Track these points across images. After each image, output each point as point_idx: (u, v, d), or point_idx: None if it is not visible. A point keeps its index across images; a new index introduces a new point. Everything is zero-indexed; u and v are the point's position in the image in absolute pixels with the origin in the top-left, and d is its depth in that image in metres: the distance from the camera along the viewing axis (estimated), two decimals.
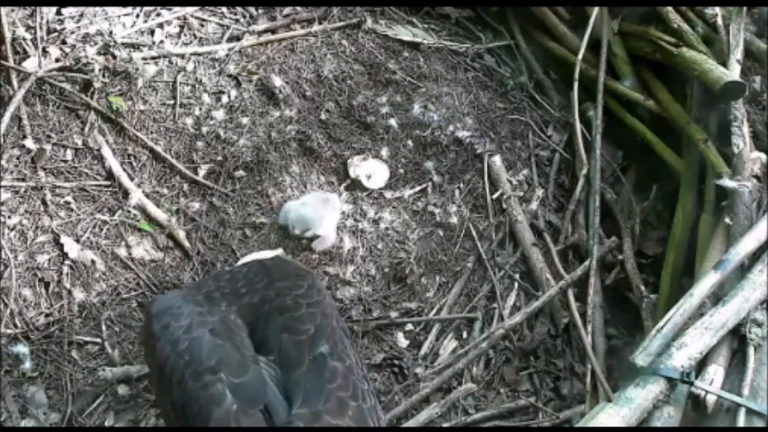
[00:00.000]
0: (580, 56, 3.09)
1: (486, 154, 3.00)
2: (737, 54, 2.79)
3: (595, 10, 3.14)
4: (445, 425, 2.44)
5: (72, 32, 3.01)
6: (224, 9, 3.25)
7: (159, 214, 2.74)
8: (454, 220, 2.86)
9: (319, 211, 2.70)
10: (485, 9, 3.46)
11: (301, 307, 1.87)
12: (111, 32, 3.02)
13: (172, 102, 2.97)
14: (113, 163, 2.80)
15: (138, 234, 2.70)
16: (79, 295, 2.55)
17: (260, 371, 1.72)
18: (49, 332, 2.49)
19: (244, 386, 1.67)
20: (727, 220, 2.47)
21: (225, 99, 3.00)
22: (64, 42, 2.99)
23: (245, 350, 1.77)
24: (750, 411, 2.02)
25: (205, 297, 1.93)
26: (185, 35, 3.15)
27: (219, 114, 2.95)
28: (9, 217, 2.65)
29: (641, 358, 2.10)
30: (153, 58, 3.03)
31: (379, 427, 1.75)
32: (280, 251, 2.62)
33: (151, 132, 2.90)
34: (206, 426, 1.64)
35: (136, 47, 3.05)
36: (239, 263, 2.42)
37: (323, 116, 3.01)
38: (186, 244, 2.70)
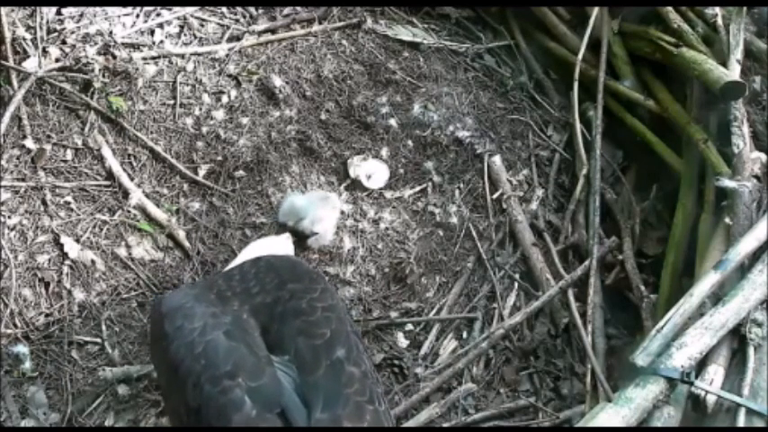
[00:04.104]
0: (580, 56, 3.09)
1: (486, 154, 3.00)
2: (737, 54, 2.78)
3: (595, 10, 3.14)
4: (445, 425, 2.44)
5: (72, 32, 3.01)
6: (224, 9, 3.25)
7: (159, 214, 2.74)
8: (454, 220, 2.86)
9: (315, 206, 2.70)
10: (485, 9, 3.46)
11: (316, 311, 1.87)
12: (111, 32, 3.02)
13: (172, 102, 2.97)
14: (113, 163, 2.80)
15: (138, 234, 2.70)
16: (79, 295, 2.55)
17: (275, 372, 1.73)
18: (49, 332, 2.49)
19: (260, 389, 1.68)
20: (727, 220, 2.47)
21: (225, 99, 3.00)
22: (64, 42, 2.99)
23: (259, 350, 1.77)
24: (750, 411, 2.02)
25: (217, 296, 1.93)
26: (185, 35, 3.15)
27: (219, 114, 2.95)
28: (9, 217, 2.65)
29: (641, 358, 2.10)
30: (153, 58, 3.04)
31: (381, 427, 1.75)
32: (286, 235, 2.61)
33: (151, 132, 2.90)
34: (225, 428, 1.65)
35: (136, 47, 3.05)
36: (243, 254, 2.40)
37: (323, 116, 3.01)
38: (186, 244, 2.70)
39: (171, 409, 1.96)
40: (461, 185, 2.95)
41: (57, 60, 2.94)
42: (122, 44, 3.01)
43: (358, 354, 1.82)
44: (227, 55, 3.09)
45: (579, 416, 2.37)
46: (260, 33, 3.19)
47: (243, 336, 1.80)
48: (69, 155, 2.82)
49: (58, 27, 3.03)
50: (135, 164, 2.84)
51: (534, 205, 2.92)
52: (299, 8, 3.29)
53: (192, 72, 3.04)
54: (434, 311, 2.68)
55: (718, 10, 2.95)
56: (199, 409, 1.70)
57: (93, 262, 2.61)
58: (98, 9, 3.10)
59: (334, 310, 1.89)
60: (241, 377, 1.69)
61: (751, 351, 2.13)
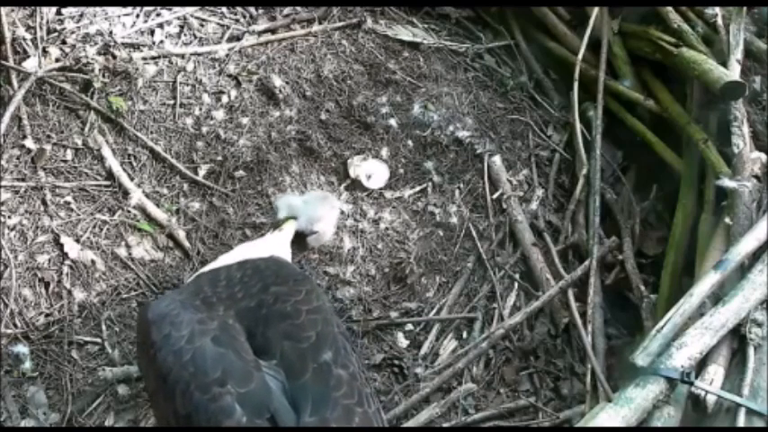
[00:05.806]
0: (580, 56, 3.09)
1: (486, 154, 3.00)
2: (737, 54, 2.79)
3: (595, 10, 3.14)
4: (445, 425, 2.44)
5: (72, 32, 3.01)
6: (224, 9, 3.25)
7: (159, 214, 2.74)
8: (454, 220, 2.86)
9: (313, 205, 2.68)
10: (485, 9, 3.46)
11: (302, 314, 1.86)
12: (111, 32, 3.02)
13: (172, 102, 2.97)
14: (113, 163, 2.80)
15: (138, 234, 2.70)
16: (79, 295, 2.55)
17: (263, 377, 1.72)
18: (49, 332, 2.49)
19: (250, 395, 1.67)
20: (727, 220, 2.47)
21: (225, 99, 3.00)
22: (64, 42, 2.99)
23: (247, 356, 1.77)
24: (750, 411, 2.02)
25: (203, 302, 1.92)
26: (185, 35, 3.15)
27: (219, 114, 2.95)
28: (9, 217, 2.65)
29: (641, 358, 2.10)
30: (153, 58, 3.04)
31: (380, 427, 1.75)
32: (290, 225, 2.56)
33: (151, 132, 2.90)
34: (221, 428, 1.65)
35: (136, 47, 3.05)
36: (234, 254, 2.37)
37: (323, 116, 3.01)
38: (186, 244, 2.70)
39: (160, 417, 1.95)
40: (461, 185, 2.95)
41: (57, 60, 2.94)
42: (122, 44, 3.01)
43: (345, 355, 1.81)
44: (227, 55, 3.09)
45: (579, 416, 2.37)
46: (260, 33, 3.19)
47: (230, 341, 1.79)
48: (69, 155, 2.82)
49: (58, 27, 3.03)
50: (135, 164, 2.84)
51: (534, 205, 2.92)
52: (299, 8, 3.29)
53: (192, 72, 3.04)
54: (434, 311, 2.68)
55: (718, 10, 2.95)
56: (189, 417, 1.70)
57: (93, 262, 2.61)
58: (98, 9, 3.10)
59: (319, 312, 1.88)
60: (230, 384, 1.68)
61: (751, 351, 2.14)
